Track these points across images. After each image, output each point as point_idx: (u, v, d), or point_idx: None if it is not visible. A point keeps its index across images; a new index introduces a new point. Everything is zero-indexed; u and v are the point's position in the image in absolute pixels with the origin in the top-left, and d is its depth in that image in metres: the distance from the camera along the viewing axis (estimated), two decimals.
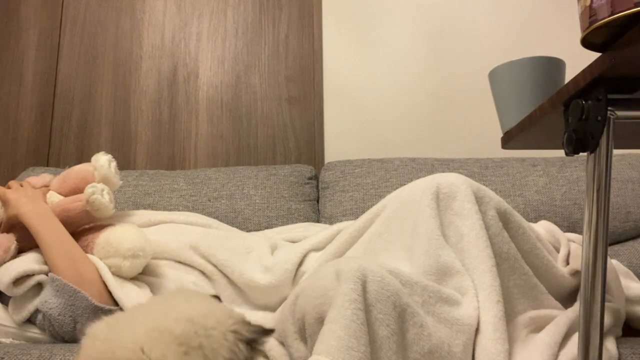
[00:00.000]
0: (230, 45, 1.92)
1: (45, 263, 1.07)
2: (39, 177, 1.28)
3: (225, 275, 1.14)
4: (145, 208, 1.55)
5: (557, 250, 1.07)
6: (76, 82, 1.92)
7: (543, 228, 1.14)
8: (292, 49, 1.91)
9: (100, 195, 1.14)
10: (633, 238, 1.47)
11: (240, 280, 1.11)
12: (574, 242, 1.11)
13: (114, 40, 1.94)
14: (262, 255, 1.17)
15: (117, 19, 1.96)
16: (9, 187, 1.19)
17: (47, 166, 1.87)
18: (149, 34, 1.94)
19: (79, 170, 1.24)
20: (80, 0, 1.97)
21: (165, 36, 1.94)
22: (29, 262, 1.06)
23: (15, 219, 1.13)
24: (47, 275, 1.04)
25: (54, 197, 1.21)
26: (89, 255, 1.09)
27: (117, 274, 1.06)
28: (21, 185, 1.20)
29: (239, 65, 1.91)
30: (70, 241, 1.09)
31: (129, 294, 1.04)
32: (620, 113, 0.66)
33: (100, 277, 1.05)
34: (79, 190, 1.19)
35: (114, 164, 1.26)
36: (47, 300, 1.00)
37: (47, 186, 1.25)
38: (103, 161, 1.23)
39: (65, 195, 1.21)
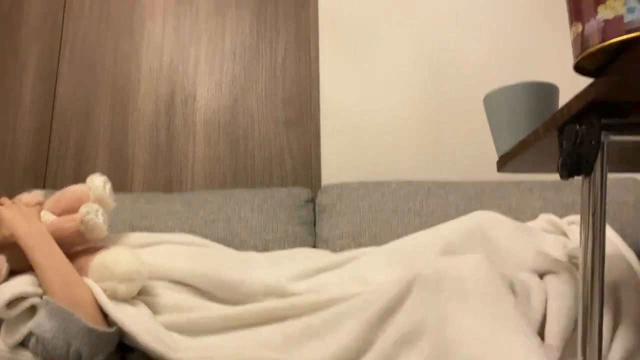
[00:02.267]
0: (228, 68, 1.93)
1: (39, 285, 1.06)
2: (31, 195, 1.27)
3: (222, 289, 1.13)
4: (141, 230, 1.54)
5: (565, 235, 1.15)
6: (74, 104, 1.93)
7: (543, 222, 1.21)
8: (289, 72, 1.92)
9: (95, 215, 1.14)
10: None
11: (251, 290, 1.11)
12: (574, 223, 1.20)
13: (112, 63, 1.96)
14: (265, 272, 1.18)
15: (116, 43, 1.97)
16: (1, 204, 1.18)
17: (44, 188, 1.86)
18: (147, 57, 1.96)
19: (73, 190, 1.24)
20: (79, 24, 1.99)
21: (164, 60, 1.95)
22: (22, 284, 1.05)
23: (10, 239, 1.11)
24: (41, 298, 1.03)
25: (47, 216, 1.20)
26: (84, 279, 1.08)
27: (113, 297, 1.05)
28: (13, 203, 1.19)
29: (236, 88, 1.92)
30: (66, 263, 1.08)
31: (126, 312, 1.03)
32: (613, 137, 0.67)
33: (95, 299, 1.04)
34: (73, 210, 1.19)
35: (108, 185, 1.26)
36: (40, 323, 0.99)
37: (40, 204, 1.24)
38: (98, 182, 1.23)
39: (59, 215, 1.21)
